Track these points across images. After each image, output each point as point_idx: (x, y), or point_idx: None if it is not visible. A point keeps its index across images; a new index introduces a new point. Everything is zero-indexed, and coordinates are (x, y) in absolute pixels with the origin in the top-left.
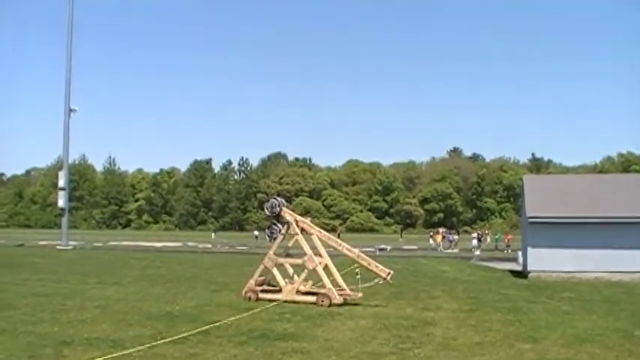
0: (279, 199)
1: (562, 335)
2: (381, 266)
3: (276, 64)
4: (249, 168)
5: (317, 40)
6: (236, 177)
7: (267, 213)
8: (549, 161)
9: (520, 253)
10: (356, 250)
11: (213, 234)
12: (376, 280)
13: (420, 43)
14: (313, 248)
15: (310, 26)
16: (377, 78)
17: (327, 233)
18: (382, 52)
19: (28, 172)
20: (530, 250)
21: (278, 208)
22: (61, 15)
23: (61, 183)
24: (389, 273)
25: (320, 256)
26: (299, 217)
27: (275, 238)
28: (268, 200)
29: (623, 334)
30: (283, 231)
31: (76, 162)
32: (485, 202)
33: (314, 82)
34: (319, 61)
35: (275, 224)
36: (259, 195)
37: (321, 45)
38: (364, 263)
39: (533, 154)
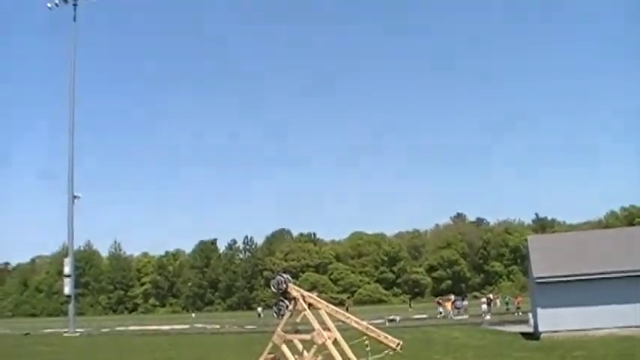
0: (284, 275)
1: None
2: (390, 337)
3: (274, 141)
4: (254, 246)
5: (313, 116)
6: (241, 256)
7: (274, 290)
8: (553, 220)
9: (530, 315)
10: (364, 323)
11: (193, 314)
12: (386, 352)
13: (417, 109)
14: (321, 323)
15: (305, 104)
16: (374, 147)
17: (334, 307)
18: (379, 121)
19: (33, 260)
20: (539, 310)
21: (284, 285)
22: (62, 106)
23: (67, 270)
24: (398, 343)
25: (329, 330)
26: (306, 293)
27: (283, 315)
28: (274, 277)
29: None
30: (290, 307)
31: (81, 248)
32: (493, 266)
33: (313, 157)
34: (315, 135)
35: (282, 301)
36: (265, 272)
37: (319, 119)
38: (373, 335)
39: (536, 214)
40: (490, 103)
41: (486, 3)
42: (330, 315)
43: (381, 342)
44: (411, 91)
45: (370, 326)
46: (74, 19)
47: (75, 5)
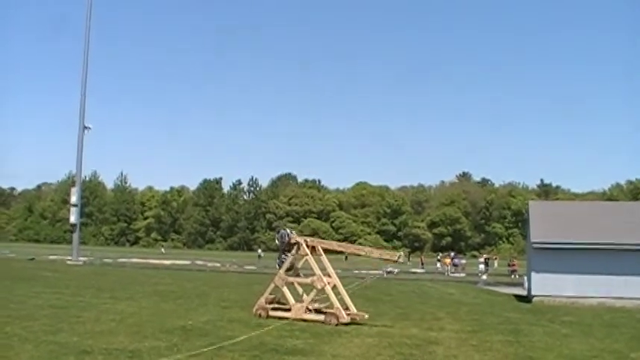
0: (288, 230)
1: (558, 356)
2: (390, 253)
3: (287, 87)
4: (258, 188)
5: (327, 65)
6: (245, 197)
7: (277, 243)
8: (558, 187)
9: (525, 278)
10: (367, 248)
11: (162, 249)
12: (384, 269)
13: (429, 69)
14: (323, 269)
15: (320, 50)
16: (385, 102)
17: (338, 242)
18: (390, 76)
19: (39, 187)
20: (534, 275)
21: (287, 238)
22: (76, 31)
23: (73, 199)
24: (399, 255)
25: (329, 276)
26: (309, 238)
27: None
28: (278, 231)
29: (618, 355)
30: (293, 252)
31: (87, 179)
32: (494, 227)
33: (324, 105)
34: (329, 85)
35: (284, 253)
36: (268, 215)
37: (332, 69)
38: (375, 255)
39: (542, 180)
40: (508, 58)
41: None
42: (331, 252)
43: (383, 259)
44: (423, 44)
45: (370, 248)
46: None
47: None
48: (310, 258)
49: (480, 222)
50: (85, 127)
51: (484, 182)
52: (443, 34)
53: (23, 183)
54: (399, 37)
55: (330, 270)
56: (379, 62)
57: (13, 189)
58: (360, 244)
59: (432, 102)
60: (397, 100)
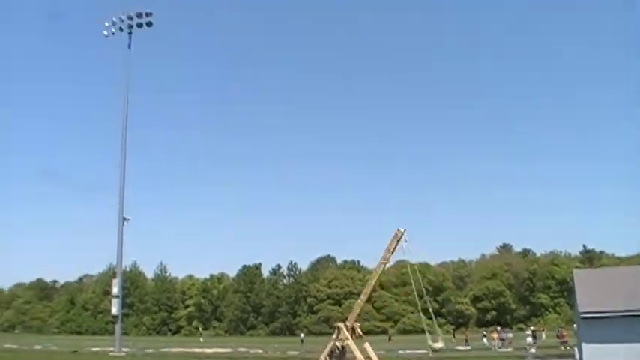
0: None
1: None
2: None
3: (323, 172)
4: (298, 272)
5: (359, 146)
6: (285, 281)
7: None
8: (602, 252)
9: (576, 349)
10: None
11: (201, 337)
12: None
13: (464, 142)
14: (363, 351)
15: (352, 131)
16: (421, 178)
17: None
18: (422, 151)
19: (80, 279)
20: (584, 345)
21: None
22: (114, 127)
23: (115, 290)
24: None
25: (370, 358)
26: (349, 322)
27: None
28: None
29: None
30: (334, 336)
31: (128, 269)
32: (539, 298)
33: (358, 184)
34: (360, 163)
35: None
36: (309, 299)
37: (364, 151)
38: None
39: (584, 246)
40: (539, 131)
41: None
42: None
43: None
44: (454, 121)
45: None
46: (129, 47)
47: (130, 33)
48: (351, 342)
49: (524, 294)
50: (125, 219)
51: (525, 252)
52: (481, 111)
53: (65, 275)
54: (435, 115)
55: (371, 352)
56: (414, 140)
57: (55, 282)
58: (403, 323)
59: (468, 174)
60: (433, 173)
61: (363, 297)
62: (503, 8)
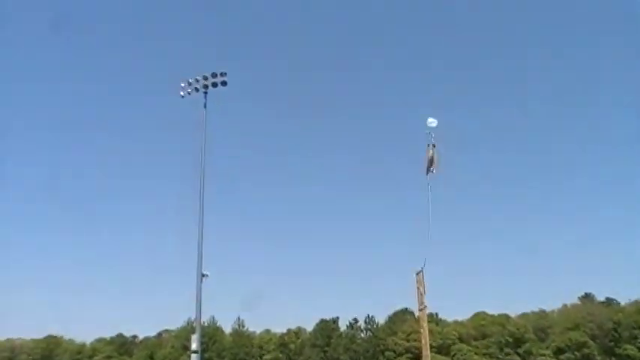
0: None
1: None
2: None
3: (400, 226)
4: (375, 325)
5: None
6: (363, 335)
7: None
8: None
9: None
10: None
11: None
12: None
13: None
14: None
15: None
16: (499, 229)
17: None
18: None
19: (159, 334)
20: None
21: None
22: (191, 191)
23: (194, 346)
24: None
25: None
26: None
27: None
28: None
29: None
30: None
31: (206, 324)
32: (625, 349)
33: (438, 240)
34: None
35: None
36: (387, 353)
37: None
38: None
39: None
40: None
41: None
42: None
43: None
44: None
45: None
46: (205, 106)
47: (205, 93)
48: None
49: (609, 345)
50: (203, 275)
51: (609, 302)
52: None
53: (145, 330)
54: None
55: None
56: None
57: (135, 337)
58: None
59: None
60: (513, 227)
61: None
62: None
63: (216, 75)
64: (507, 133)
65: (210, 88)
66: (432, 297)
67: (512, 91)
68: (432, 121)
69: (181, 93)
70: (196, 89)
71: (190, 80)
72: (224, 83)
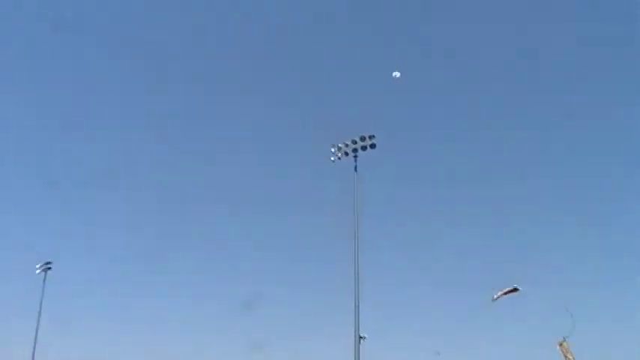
0: None
1: None
2: None
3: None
4: None
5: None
6: None
7: None
8: None
9: None
10: None
11: None
12: None
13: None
14: None
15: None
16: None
17: None
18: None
19: None
20: None
21: None
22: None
23: None
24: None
25: None
26: None
27: None
28: None
29: None
30: None
31: None
32: None
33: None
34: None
35: None
36: None
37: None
38: None
39: None
40: None
41: None
42: None
43: None
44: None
45: None
46: (355, 170)
47: (355, 157)
48: None
49: None
50: (361, 337)
51: None
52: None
53: None
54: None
55: None
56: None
57: None
58: None
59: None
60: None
61: None
62: None
63: (365, 138)
64: None
65: (360, 151)
66: None
67: None
68: (396, 74)
69: (332, 158)
70: (346, 153)
71: (340, 145)
72: (373, 146)
